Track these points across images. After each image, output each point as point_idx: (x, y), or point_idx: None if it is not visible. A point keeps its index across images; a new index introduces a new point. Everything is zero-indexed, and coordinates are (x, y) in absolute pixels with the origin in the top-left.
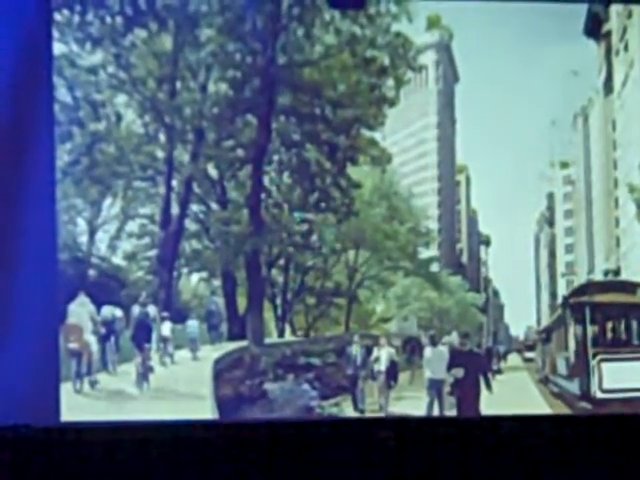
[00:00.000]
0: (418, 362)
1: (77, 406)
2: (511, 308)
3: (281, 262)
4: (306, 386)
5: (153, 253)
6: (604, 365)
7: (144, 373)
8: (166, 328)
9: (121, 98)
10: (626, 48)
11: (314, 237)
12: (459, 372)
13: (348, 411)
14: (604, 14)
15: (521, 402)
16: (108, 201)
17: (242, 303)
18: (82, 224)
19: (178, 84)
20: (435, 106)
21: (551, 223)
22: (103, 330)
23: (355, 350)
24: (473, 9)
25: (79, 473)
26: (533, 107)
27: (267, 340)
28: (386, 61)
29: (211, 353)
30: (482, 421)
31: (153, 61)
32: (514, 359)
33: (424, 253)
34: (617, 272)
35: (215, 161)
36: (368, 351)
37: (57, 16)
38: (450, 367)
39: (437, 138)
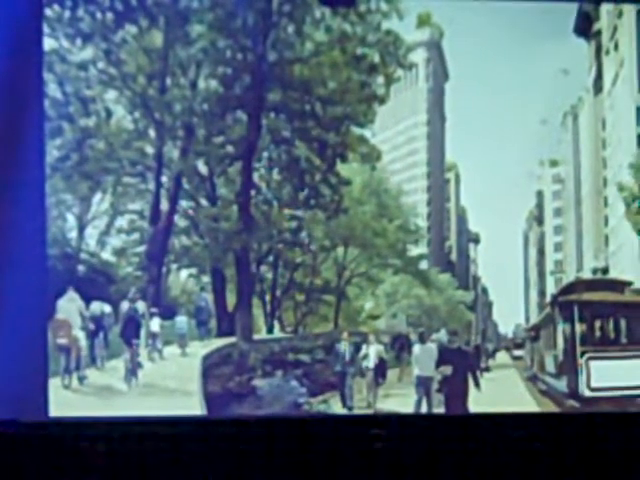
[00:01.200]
0: (407, 359)
1: (65, 401)
2: (500, 306)
3: (270, 259)
4: (294, 382)
5: (142, 249)
6: (592, 363)
7: (133, 369)
8: (155, 324)
9: (111, 94)
10: (616, 47)
11: (303, 234)
12: (447, 369)
13: (336, 408)
14: (594, 13)
15: (509, 400)
16: (98, 197)
17: (231, 299)
18: (71, 220)
19: (168, 80)
20: (425, 104)
21: (540, 221)
22: (92, 326)
23: (344, 347)
24: (463, 7)
25: (67, 468)
26: (523, 106)
27: (256, 336)
28: (376, 59)
29: (200, 349)
30: (470, 418)
31: (143, 57)
32: (502, 357)
33: (413, 251)
34: (606, 271)
35: (205, 157)
36: (357, 348)
37: (48, 11)
38: (439, 364)
39: (427, 136)
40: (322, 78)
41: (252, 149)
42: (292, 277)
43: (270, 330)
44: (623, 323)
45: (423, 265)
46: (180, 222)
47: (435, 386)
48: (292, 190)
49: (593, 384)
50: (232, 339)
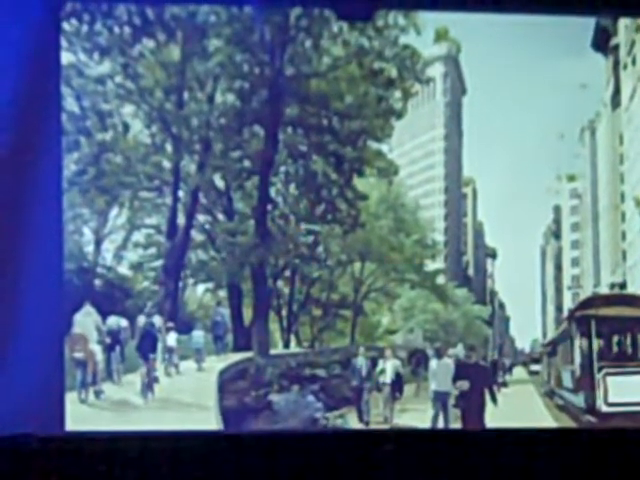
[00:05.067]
0: (423, 374)
1: (82, 416)
2: (517, 321)
3: (287, 273)
4: (311, 397)
5: (159, 263)
6: (609, 379)
7: (149, 383)
8: (171, 338)
9: (128, 108)
10: (634, 62)
11: (320, 249)
12: (464, 385)
13: (353, 423)
14: (612, 28)
15: (526, 415)
16: (114, 211)
17: (248, 314)
18: (88, 234)
19: (185, 94)
20: (442, 118)
21: (557, 236)
22: (108, 340)
23: (360, 362)
24: (481, 22)
25: None
26: (540, 120)
27: (272, 351)
28: (394, 73)
29: (216, 364)
30: (487, 434)
31: (161, 71)
32: (519, 372)
33: (430, 265)
34: (623, 286)
35: (222, 172)
36: (373, 363)
37: (65, 25)
38: (455, 380)
39: (444, 150)
40: (339, 92)
41: (269, 163)
42: (309, 292)
43: (287, 345)
44: None
45: (440, 280)
46: (197, 236)
47: (452, 401)
48: (309, 205)
49: (610, 399)
50: (248, 354)
